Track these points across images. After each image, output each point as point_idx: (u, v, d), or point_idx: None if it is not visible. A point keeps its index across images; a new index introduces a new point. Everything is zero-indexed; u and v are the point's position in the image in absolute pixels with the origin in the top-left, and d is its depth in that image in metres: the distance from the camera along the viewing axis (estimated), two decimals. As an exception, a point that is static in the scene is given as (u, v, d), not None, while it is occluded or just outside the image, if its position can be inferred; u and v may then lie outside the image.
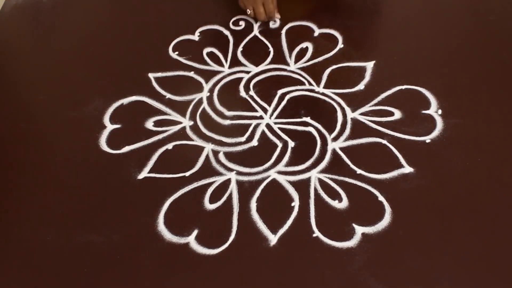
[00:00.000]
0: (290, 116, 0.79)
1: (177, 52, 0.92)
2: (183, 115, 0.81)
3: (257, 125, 0.79)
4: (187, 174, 0.73)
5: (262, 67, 0.87)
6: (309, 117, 0.79)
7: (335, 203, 0.68)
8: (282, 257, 0.64)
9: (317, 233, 0.65)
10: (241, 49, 0.91)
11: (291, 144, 0.76)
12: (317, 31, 0.93)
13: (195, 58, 0.90)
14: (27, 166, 0.77)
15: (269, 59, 0.89)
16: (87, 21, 1.02)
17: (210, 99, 0.83)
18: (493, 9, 0.93)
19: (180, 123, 0.80)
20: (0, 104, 0.87)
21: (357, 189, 0.69)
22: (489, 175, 0.69)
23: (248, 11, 0.94)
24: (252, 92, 0.84)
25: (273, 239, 0.65)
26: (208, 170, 0.73)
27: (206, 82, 0.86)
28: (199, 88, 0.85)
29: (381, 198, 0.68)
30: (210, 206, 0.69)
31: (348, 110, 0.79)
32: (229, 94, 0.84)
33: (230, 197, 0.70)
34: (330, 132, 0.76)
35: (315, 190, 0.70)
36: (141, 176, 0.74)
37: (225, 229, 0.67)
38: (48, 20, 1.03)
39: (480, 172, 0.69)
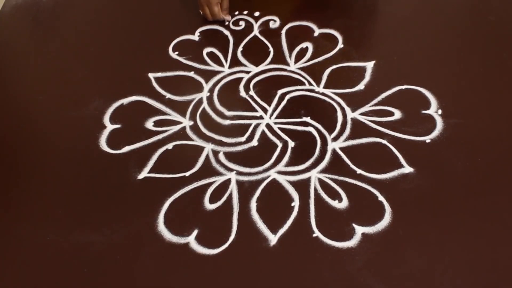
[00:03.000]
0: (290, 116, 0.79)
1: (177, 52, 0.92)
2: (183, 115, 0.81)
3: (257, 125, 0.79)
4: (187, 174, 0.73)
5: (262, 67, 0.87)
6: (309, 117, 0.79)
7: (335, 203, 0.68)
8: (282, 257, 0.64)
9: (317, 233, 0.65)
10: (241, 49, 0.91)
11: (291, 144, 0.76)
12: (317, 31, 0.93)
13: (195, 58, 0.90)
14: (27, 166, 0.77)
15: (269, 59, 0.89)
16: (87, 21, 1.02)
17: (210, 99, 0.84)
18: (493, 9, 0.93)
19: (180, 123, 0.80)
20: (0, 104, 0.87)
21: (357, 189, 0.69)
22: (489, 175, 0.69)
23: (201, 12, 0.96)
24: (252, 92, 0.84)
25: (273, 239, 0.65)
26: (208, 170, 0.73)
27: (206, 82, 0.86)
28: (199, 88, 0.85)
29: (381, 198, 0.68)
30: (210, 206, 0.69)
31: (348, 110, 0.79)
32: (229, 94, 0.84)
33: (230, 197, 0.70)
34: (330, 132, 0.76)
35: (315, 190, 0.70)
36: (141, 176, 0.74)
37: (225, 229, 0.67)
38: (48, 20, 1.03)
39: (480, 172, 0.69)
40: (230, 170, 0.73)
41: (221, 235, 0.66)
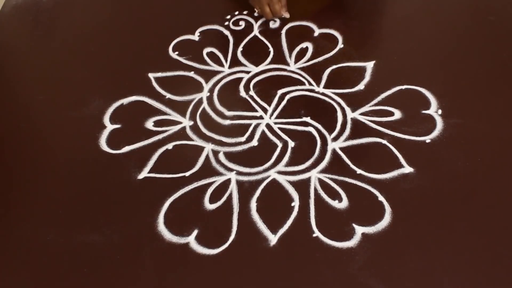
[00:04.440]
0: (290, 116, 0.79)
1: (177, 52, 0.92)
2: (183, 115, 0.81)
3: (257, 125, 0.79)
4: (187, 174, 0.73)
5: (262, 67, 0.87)
6: (309, 117, 0.79)
7: (335, 203, 0.68)
8: (282, 257, 0.64)
9: (317, 233, 0.65)
10: (241, 49, 0.91)
11: (291, 144, 0.76)
12: (317, 31, 0.93)
13: (195, 58, 0.90)
14: (27, 166, 0.77)
15: (269, 59, 0.89)
16: (87, 21, 1.02)
17: (210, 99, 0.83)
18: (493, 9, 0.93)
19: (180, 123, 0.80)
20: (0, 104, 0.87)
21: (357, 189, 0.69)
22: (489, 175, 0.69)
23: (256, 11, 0.96)
24: (252, 92, 0.84)
25: (273, 239, 0.65)
26: (208, 170, 0.73)
27: (206, 82, 0.86)
28: (199, 88, 0.85)
29: (381, 198, 0.68)
30: (210, 206, 0.69)
31: (348, 110, 0.79)
32: (229, 94, 0.84)
33: (230, 197, 0.70)
34: (330, 132, 0.76)
35: (315, 190, 0.70)
36: (141, 176, 0.74)
37: (225, 229, 0.67)
38: (48, 20, 1.03)
39: (480, 172, 0.69)
40: (230, 170, 0.73)
41: (221, 235, 0.66)
